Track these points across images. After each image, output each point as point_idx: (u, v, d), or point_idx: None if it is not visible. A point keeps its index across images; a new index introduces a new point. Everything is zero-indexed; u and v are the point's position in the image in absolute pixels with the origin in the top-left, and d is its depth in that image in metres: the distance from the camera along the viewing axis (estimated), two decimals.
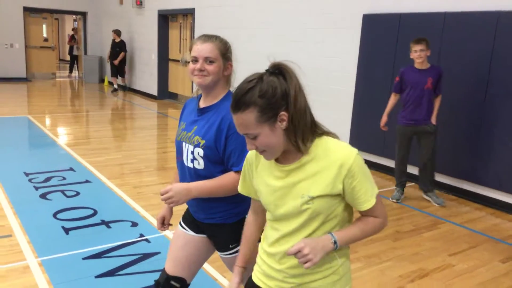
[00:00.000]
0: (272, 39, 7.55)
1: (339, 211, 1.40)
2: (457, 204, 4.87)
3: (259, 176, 1.49)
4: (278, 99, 1.30)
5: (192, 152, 1.86)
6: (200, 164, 1.85)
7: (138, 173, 5.41)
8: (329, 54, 6.52)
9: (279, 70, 1.33)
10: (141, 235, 3.66)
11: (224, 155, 1.81)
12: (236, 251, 1.90)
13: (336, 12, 6.40)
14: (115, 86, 12.13)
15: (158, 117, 9.51)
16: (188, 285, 2.06)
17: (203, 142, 1.83)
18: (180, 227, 2.08)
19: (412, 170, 5.37)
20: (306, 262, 1.30)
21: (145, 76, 12.10)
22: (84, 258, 3.26)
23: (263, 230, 1.62)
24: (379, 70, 5.74)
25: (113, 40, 11.93)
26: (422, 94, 4.55)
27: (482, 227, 4.26)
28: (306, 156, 1.37)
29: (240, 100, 1.31)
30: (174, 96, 11.50)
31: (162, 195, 1.78)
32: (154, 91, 11.74)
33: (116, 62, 11.82)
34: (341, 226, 1.43)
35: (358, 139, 6.13)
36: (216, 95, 1.89)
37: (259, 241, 1.70)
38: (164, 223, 2.13)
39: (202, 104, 1.92)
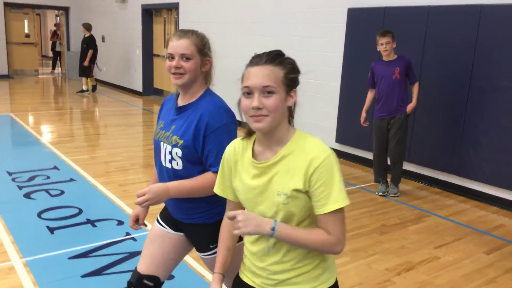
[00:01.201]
0: (258, 33, 7.52)
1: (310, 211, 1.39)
2: (442, 197, 4.93)
3: (237, 174, 1.48)
4: (296, 77, 1.37)
5: (170, 152, 1.81)
6: (178, 165, 1.81)
7: (124, 170, 5.36)
8: (315, 48, 6.52)
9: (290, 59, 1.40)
10: (127, 234, 3.63)
11: (202, 155, 1.78)
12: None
13: (321, 6, 6.39)
14: (84, 87, 11.18)
15: (144, 114, 9.43)
16: (162, 283, 2.00)
17: (181, 142, 1.79)
18: (157, 224, 2.04)
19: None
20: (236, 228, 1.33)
21: (130, 72, 11.98)
22: (69, 258, 3.22)
23: None
24: (364, 63, 5.75)
25: (84, 35, 10.97)
26: (392, 85, 4.61)
27: (467, 220, 4.32)
28: (284, 150, 1.37)
29: (277, 55, 1.35)
30: (159, 92, 11.41)
31: (138, 196, 1.72)
32: (139, 87, 11.64)
33: (86, 63, 10.77)
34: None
35: (345, 133, 6.16)
36: (194, 93, 1.84)
37: (241, 240, 1.69)
38: (139, 222, 2.08)
39: (180, 102, 1.88)
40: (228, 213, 1.38)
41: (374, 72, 4.73)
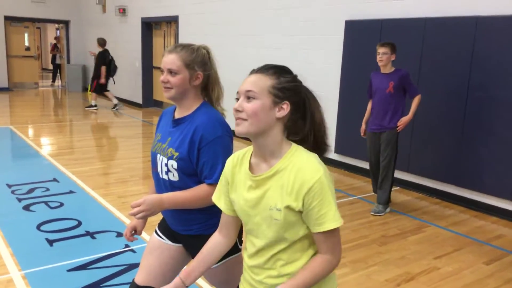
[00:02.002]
0: (257, 46, 7.58)
1: (308, 231, 1.38)
2: (442, 208, 4.93)
3: (234, 186, 1.49)
4: (288, 90, 1.38)
5: (166, 164, 1.83)
6: (175, 176, 1.82)
7: (123, 182, 5.36)
8: (313, 60, 6.56)
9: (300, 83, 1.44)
10: (126, 246, 3.62)
11: (197, 167, 1.79)
12: (216, 262, 1.88)
13: (319, 19, 6.45)
14: (92, 102, 10.86)
15: (143, 126, 9.45)
16: None
17: (176, 154, 1.80)
18: (156, 235, 2.04)
19: (397, 174, 5.44)
20: None
21: (130, 84, 12.03)
22: (68, 270, 3.21)
23: (226, 249, 1.61)
24: (362, 75, 5.79)
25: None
26: (384, 99, 4.47)
27: (467, 230, 4.31)
28: (278, 164, 1.37)
29: (274, 66, 1.41)
30: (159, 104, 11.45)
31: (133, 207, 1.73)
32: (139, 99, 11.68)
33: (102, 80, 10.45)
34: (313, 245, 1.41)
35: (343, 144, 6.17)
36: (189, 106, 1.86)
37: (238, 251, 1.69)
38: (136, 234, 2.07)
39: (176, 115, 1.90)
40: None
41: (372, 83, 4.66)
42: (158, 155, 1.89)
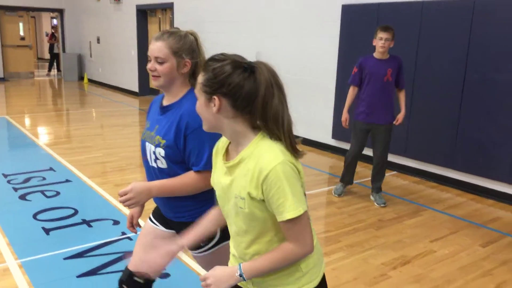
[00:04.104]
0: (253, 32, 7.52)
1: (272, 215, 1.35)
2: (438, 191, 4.93)
3: (216, 169, 1.50)
4: (220, 83, 1.30)
5: (154, 152, 1.82)
6: (163, 164, 1.81)
7: (120, 170, 5.35)
8: (310, 46, 6.51)
9: (251, 70, 1.32)
10: (123, 233, 3.62)
11: (184, 154, 1.78)
12: (208, 249, 1.89)
13: (315, 4, 6.39)
14: None
15: (140, 114, 9.41)
16: (153, 280, 2.00)
17: (163, 142, 1.79)
18: (150, 222, 2.05)
19: (394, 158, 5.44)
20: None
21: (126, 72, 11.96)
22: (65, 258, 3.21)
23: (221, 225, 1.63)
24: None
25: None
26: (382, 87, 4.20)
27: (463, 213, 4.32)
28: (243, 152, 1.36)
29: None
30: (155, 92, 11.39)
31: (120, 196, 1.72)
32: (135, 87, 11.62)
33: None
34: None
35: (341, 129, 6.14)
36: (177, 93, 1.84)
37: (227, 239, 1.71)
38: (133, 223, 2.08)
39: (164, 103, 1.88)
40: (200, 276, 1.43)
41: (363, 68, 4.27)
42: (147, 143, 1.87)
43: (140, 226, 2.15)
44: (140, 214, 2.09)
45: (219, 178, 1.46)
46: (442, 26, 4.93)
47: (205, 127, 1.40)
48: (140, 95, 11.45)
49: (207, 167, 1.69)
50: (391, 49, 4.37)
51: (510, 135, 4.50)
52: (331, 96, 6.23)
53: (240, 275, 1.36)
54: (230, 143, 1.45)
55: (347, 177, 4.65)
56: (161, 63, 1.76)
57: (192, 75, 1.85)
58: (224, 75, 1.30)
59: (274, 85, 1.32)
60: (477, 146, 4.76)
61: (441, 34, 4.95)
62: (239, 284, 1.48)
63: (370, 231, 3.83)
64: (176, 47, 1.76)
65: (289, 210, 1.29)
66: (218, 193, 1.48)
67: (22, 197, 4.33)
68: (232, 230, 1.47)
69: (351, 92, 4.44)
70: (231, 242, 1.52)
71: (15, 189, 4.53)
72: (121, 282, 1.98)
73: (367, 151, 5.24)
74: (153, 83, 1.82)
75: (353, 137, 4.52)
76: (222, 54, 1.36)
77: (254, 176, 1.31)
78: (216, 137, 1.54)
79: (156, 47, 1.75)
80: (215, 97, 1.32)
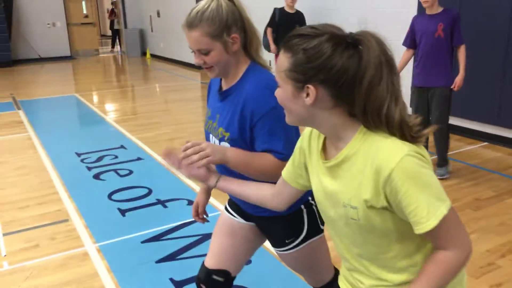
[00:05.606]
0: None
1: (399, 226, 1.06)
2: None
3: (313, 168, 1.20)
4: (317, 69, 1.00)
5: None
6: None
7: None
8: (383, 5, 5.98)
9: (356, 44, 1.01)
10: None
11: (252, 147, 1.49)
12: (294, 246, 1.64)
13: None
14: None
15: (203, 87, 9.29)
16: (234, 277, 1.79)
17: (227, 135, 1.51)
18: (226, 213, 1.82)
19: (483, 128, 4.92)
20: None
21: (186, 46, 11.82)
22: (142, 242, 3.11)
23: (268, 206, 1.39)
24: None
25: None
26: (433, 45, 3.79)
27: None
28: (347, 149, 1.06)
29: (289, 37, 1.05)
30: None
31: (188, 148, 1.39)
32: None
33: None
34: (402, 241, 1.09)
35: None
36: (236, 73, 1.53)
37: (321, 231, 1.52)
38: (199, 211, 1.88)
39: (224, 85, 1.59)
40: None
41: (415, 28, 3.92)
42: (211, 135, 1.61)
43: (207, 215, 1.94)
44: (206, 202, 1.89)
45: (318, 180, 1.17)
46: None
47: (289, 120, 1.11)
48: (202, 69, 11.31)
49: (286, 158, 1.38)
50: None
51: None
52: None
53: None
54: (325, 137, 1.16)
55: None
56: (206, 54, 1.47)
57: (244, 47, 1.54)
58: (323, 57, 0.99)
59: (384, 64, 1.00)
60: None
61: None
62: None
63: (468, 213, 3.42)
64: (214, 29, 1.43)
65: (427, 219, 0.98)
66: (318, 198, 1.19)
67: (96, 177, 4.30)
68: (337, 242, 1.21)
69: (405, 55, 4.10)
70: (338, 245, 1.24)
71: (89, 168, 4.52)
72: (198, 280, 1.79)
73: (451, 120, 4.76)
74: (209, 76, 1.55)
75: (412, 107, 4.08)
76: (311, 26, 1.04)
77: (370, 178, 1.01)
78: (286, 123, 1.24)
79: (193, 39, 1.46)
80: (309, 85, 1.02)
